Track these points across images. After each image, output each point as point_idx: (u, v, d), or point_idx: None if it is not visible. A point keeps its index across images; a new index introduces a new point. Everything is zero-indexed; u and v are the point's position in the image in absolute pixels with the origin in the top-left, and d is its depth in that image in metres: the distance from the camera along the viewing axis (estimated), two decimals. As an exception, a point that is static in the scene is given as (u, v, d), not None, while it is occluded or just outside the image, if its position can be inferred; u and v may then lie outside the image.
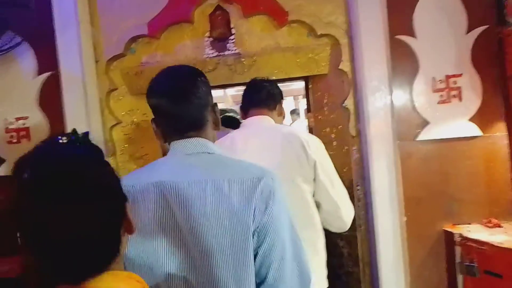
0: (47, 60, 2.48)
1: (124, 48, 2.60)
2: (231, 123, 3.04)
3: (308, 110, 2.90)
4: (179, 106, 1.12)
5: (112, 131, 2.66)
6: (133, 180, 1.10)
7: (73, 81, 2.48)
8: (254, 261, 1.01)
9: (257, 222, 1.01)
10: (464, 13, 2.34)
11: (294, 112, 7.54)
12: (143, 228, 1.03)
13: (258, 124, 1.84)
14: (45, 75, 2.50)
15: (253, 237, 1.01)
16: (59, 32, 2.47)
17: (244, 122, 1.90)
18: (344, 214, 1.75)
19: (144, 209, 1.04)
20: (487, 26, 2.33)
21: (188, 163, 1.09)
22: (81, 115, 2.48)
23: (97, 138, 2.56)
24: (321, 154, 1.73)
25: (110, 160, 2.65)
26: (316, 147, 1.72)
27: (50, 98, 2.50)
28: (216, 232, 0.99)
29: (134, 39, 2.62)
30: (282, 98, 2.00)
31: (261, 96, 1.90)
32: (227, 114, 3.21)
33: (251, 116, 1.89)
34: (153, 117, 1.20)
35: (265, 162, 1.23)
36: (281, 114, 1.98)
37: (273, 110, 1.90)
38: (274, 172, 1.10)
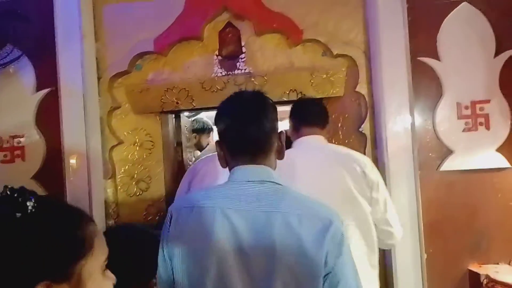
0: (47, 75, 2.35)
1: (129, 65, 2.47)
2: None
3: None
4: (248, 128, 1.09)
5: (112, 151, 2.51)
6: (193, 201, 1.09)
7: (73, 98, 2.34)
8: None
9: (329, 267, 0.99)
10: (492, 35, 2.19)
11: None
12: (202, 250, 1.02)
13: (315, 143, 1.80)
14: (44, 91, 2.37)
15: (323, 282, 0.99)
16: (61, 46, 2.34)
17: (299, 141, 1.83)
18: (397, 234, 1.76)
19: (205, 232, 1.03)
20: (517, 49, 2.17)
21: (253, 191, 1.05)
22: (79, 135, 2.33)
23: (95, 158, 2.44)
24: (376, 174, 1.72)
25: (109, 182, 2.50)
26: (371, 167, 1.72)
27: (48, 116, 2.36)
28: (282, 264, 0.98)
29: (140, 55, 2.49)
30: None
31: (313, 115, 1.87)
32: None
33: (304, 135, 1.83)
34: (218, 140, 1.16)
35: (326, 182, 1.49)
36: (328, 133, 1.99)
37: (323, 129, 1.87)
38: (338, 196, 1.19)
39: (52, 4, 2.34)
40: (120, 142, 2.52)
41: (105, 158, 2.49)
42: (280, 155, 1.15)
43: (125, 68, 2.47)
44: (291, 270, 0.97)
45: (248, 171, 1.08)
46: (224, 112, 1.15)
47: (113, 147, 2.51)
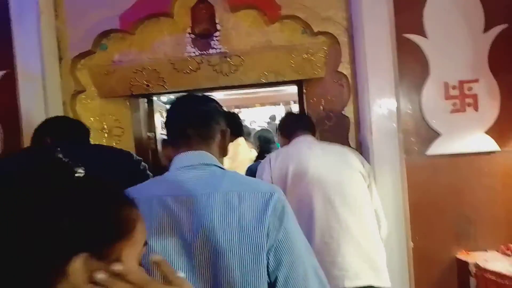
0: (1, 56, 2.13)
1: (93, 44, 2.28)
2: None
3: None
4: (189, 114, 1.13)
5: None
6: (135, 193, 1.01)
7: (32, 81, 2.14)
8: (276, 285, 0.96)
9: (271, 241, 0.96)
10: (481, 10, 2.05)
11: (273, 119, 6.92)
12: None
13: (312, 140, 1.93)
14: (-1, 73, 2.16)
15: (267, 257, 0.96)
16: (16, 24, 2.13)
17: (295, 140, 1.93)
18: (385, 228, 1.86)
19: (148, 222, 0.92)
20: (507, 24, 2.04)
21: (192, 175, 1.05)
22: (39, 122, 2.13)
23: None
24: (370, 168, 1.87)
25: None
26: (365, 161, 1.87)
27: (4, 101, 2.15)
28: (223, 247, 0.95)
29: (105, 34, 2.30)
30: None
31: (306, 124, 2.03)
32: None
33: (298, 136, 1.94)
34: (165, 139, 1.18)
35: (341, 167, 1.76)
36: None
37: (314, 136, 1.99)
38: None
39: (5, -23, 2.12)
40: (86, 129, 2.33)
41: (69, 146, 2.30)
42: (224, 152, 1.16)
43: (88, 48, 2.27)
44: (233, 249, 0.95)
45: (187, 157, 1.08)
46: (171, 108, 1.18)
47: (77, 134, 2.31)
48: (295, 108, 3.63)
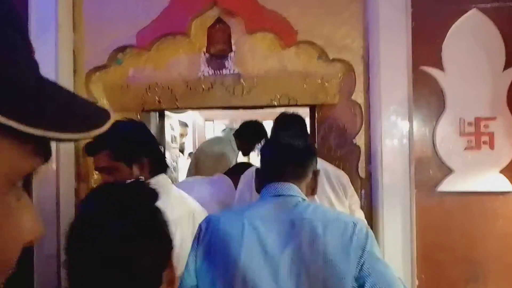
0: (18, 67, 2.15)
1: (109, 59, 2.29)
2: None
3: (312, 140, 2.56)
4: (287, 153, 1.25)
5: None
6: (231, 215, 1.25)
7: (46, 92, 2.15)
8: None
9: (359, 267, 1.07)
10: (503, 46, 2.00)
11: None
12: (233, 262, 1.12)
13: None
14: (13, 84, 2.17)
15: (351, 282, 1.07)
16: (34, 36, 2.14)
17: None
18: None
19: (239, 240, 1.14)
20: (528, 63, 1.99)
21: (280, 202, 1.18)
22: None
23: (67, 163, 2.26)
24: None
25: (82, 185, 2.32)
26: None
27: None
28: (307, 270, 1.07)
29: (121, 49, 2.30)
30: None
31: (298, 122, 2.10)
32: None
33: None
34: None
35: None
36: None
37: (308, 138, 2.13)
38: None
39: (27, -11, 2.16)
40: (96, 142, 2.33)
41: (79, 161, 2.31)
42: (312, 191, 1.27)
43: (104, 62, 2.28)
44: (317, 273, 1.07)
45: (279, 187, 1.21)
46: (271, 143, 1.36)
47: (87, 147, 2.32)
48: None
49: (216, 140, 2.94)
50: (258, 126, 3.01)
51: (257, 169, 1.32)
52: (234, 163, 2.85)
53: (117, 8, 2.27)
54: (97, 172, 1.91)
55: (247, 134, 2.98)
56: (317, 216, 1.14)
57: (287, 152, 1.26)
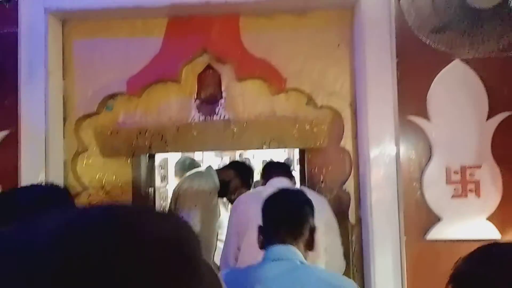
0: (7, 116, 2.15)
1: (99, 106, 2.29)
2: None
3: (302, 184, 2.58)
4: (285, 212, 1.36)
5: (75, 200, 2.29)
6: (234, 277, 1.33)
7: (34, 141, 2.14)
8: None
9: None
10: (485, 95, 2.06)
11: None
12: None
13: (286, 183, 2.07)
14: (2, 133, 2.16)
15: None
16: (24, 83, 2.15)
17: (271, 182, 2.12)
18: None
19: None
20: (511, 112, 2.05)
21: (281, 269, 1.26)
22: (38, 182, 2.12)
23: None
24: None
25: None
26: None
27: (5, 161, 2.15)
28: None
29: (111, 96, 2.31)
30: None
31: (284, 168, 2.34)
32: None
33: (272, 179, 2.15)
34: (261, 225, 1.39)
35: None
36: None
37: (292, 179, 2.22)
38: None
39: (16, 36, 2.16)
40: (85, 189, 2.32)
41: (67, 206, 2.28)
42: (309, 247, 1.34)
43: (94, 109, 2.28)
44: None
45: (277, 250, 1.29)
46: (268, 202, 1.39)
47: (76, 194, 2.30)
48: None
49: (196, 176, 2.83)
50: (248, 169, 2.96)
51: (259, 227, 1.39)
52: (215, 199, 2.75)
53: (108, 55, 2.29)
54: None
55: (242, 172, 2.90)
56: (319, 284, 1.23)
57: (283, 213, 1.35)
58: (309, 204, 1.39)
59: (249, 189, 2.85)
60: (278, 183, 2.01)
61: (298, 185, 2.39)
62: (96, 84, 2.28)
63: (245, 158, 5.26)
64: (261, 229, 1.38)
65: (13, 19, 2.16)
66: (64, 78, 2.30)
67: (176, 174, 3.40)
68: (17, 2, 2.16)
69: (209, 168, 2.87)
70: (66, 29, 2.29)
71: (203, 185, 2.71)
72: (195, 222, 2.54)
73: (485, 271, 0.85)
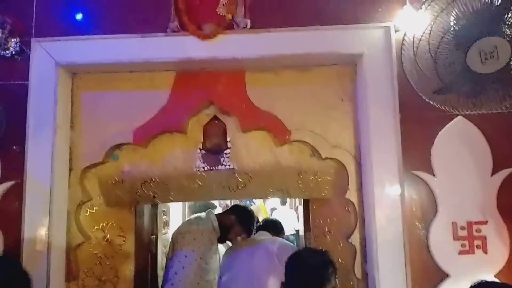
0: (13, 166, 2.16)
1: (105, 155, 2.31)
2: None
3: (306, 236, 2.56)
4: (309, 277, 1.49)
5: (77, 250, 2.28)
6: None
7: (39, 191, 2.14)
8: None
9: None
10: (489, 152, 2.08)
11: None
12: None
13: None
14: (7, 184, 2.17)
15: None
16: (32, 135, 2.18)
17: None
18: None
19: None
20: (515, 168, 2.06)
21: None
22: (42, 232, 2.11)
23: (58, 258, 2.21)
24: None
25: (71, 285, 2.25)
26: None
27: (9, 210, 2.14)
28: None
29: (118, 146, 2.34)
30: None
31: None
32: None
33: None
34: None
35: None
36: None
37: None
38: None
39: (27, 88, 2.20)
40: (88, 239, 2.30)
41: (70, 258, 2.26)
42: None
43: (100, 160, 2.30)
44: None
45: None
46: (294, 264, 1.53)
47: (78, 245, 2.28)
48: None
49: (195, 220, 2.78)
50: (249, 214, 2.90)
51: (282, 283, 1.53)
52: (215, 244, 2.69)
53: (115, 106, 2.33)
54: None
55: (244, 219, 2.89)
56: None
57: (307, 272, 1.48)
58: (332, 264, 1.52)
59: (250, 235, 2.84)
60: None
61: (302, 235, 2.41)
62: (102, 134, 2.30)
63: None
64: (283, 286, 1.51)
65: (24, 72, 2.21)
66: (71, 129, 2.32)
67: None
68: (28, 55, 2.22)
69: (209, 212, 2.82)
70: (75, 82, 2.34)
71: (201, 230, 2.65)
72: (193, 266, 2.49)
73: None
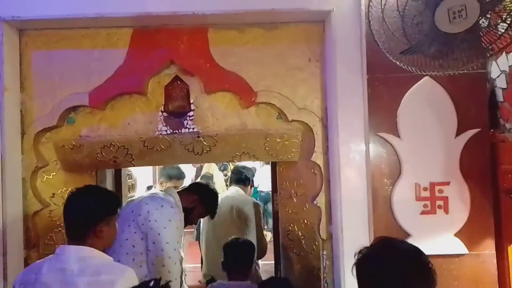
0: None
1: (60, 119, 2.18)
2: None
3: (273, 198, 2.55)
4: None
5: (35, 217, 2.19)
6: None
7: (-11, 159, 2.01)
8: None
9: None
10: (454, 113, 2.07)
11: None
12: None
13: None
14: (-46, 151, 2.02)
15: None
16: (-22, 98, 2.01)
17: None
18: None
19: None
20: (479, 129, 2.07)
21: None
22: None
23: (14, 227, 2.12)
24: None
25: (31, 253, 2.18)
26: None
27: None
28: None
29: (73, 109, 2.20)
30: None
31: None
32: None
33: None
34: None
35: None
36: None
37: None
38: None
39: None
40: (46, 206, 2.21)
41: (28, 225, 2.17)
42: None
43: (54, 123, 2.17)
44: None
45: None
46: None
47: (36, 212, 2.19)
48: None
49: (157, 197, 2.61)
50: (212, 194, 2.51)
51: None
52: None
53: (69, 66, 2.18)
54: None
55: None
56: None
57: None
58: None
59: (213, 217, 2.53)
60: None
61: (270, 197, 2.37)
62: (56, 97, 2.17)
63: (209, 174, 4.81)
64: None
65: (-36, 28, 2.01)
66: (21, 91, 2.17)
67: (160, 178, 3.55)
68: (-32, 9, 2.02)
69: (171, 191, 2.57)
70: (24, 40, 2.16)
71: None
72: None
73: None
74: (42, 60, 2.18)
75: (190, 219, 2.33)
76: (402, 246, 1.27)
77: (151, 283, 1.34)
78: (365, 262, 1.23)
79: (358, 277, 1.24)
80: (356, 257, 1.26)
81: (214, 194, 2.48)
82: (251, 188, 3.55)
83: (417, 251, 1.24)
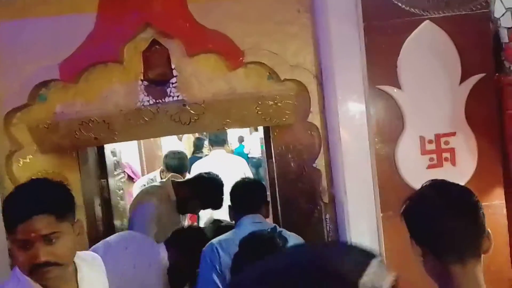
0: None
1: (30, 97, 1.98)
2: None
3: (269, 164, 2.42)
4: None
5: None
6: None
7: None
8: None
9: None
10: (458, 58, 1.93)
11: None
12: None
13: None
14: None
15: None
16: None
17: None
18: None
19: None
20: (484, 74, 1.93)
21: None
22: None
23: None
24: None
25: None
26: None
27: None
28: None
29: (43, 84, 2.00)
30: None
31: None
32: None
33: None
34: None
35: None
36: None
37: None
38: None
39: None
40: (25, 192, 2.04)
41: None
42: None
43: (24, 102, 1.97)
44: None
45: None
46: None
47: (15, 200, 2.02)
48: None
49: (150, 189, 2.60)
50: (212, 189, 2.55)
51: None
52: (171, 222, 2.46)
53: (33, 37, 1.95)
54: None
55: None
56: None
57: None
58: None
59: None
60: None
61: (265, 167, 2.26)
62: (22, 72, 1.95)
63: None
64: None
65: None
66: (-17, 70, 1.95)
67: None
68: None
69: (168, 181, 2.58)
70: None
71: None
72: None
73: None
74: (3, 32, 1.95)
75: (186, 209, 2.56)
76: (453, 187, 1.25)
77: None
78: (417, 206, 1.25)
79: (409, 221, 1.27)
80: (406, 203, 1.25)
81: (214, 186, 2.53)
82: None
83: (468, 192, 1.24)
